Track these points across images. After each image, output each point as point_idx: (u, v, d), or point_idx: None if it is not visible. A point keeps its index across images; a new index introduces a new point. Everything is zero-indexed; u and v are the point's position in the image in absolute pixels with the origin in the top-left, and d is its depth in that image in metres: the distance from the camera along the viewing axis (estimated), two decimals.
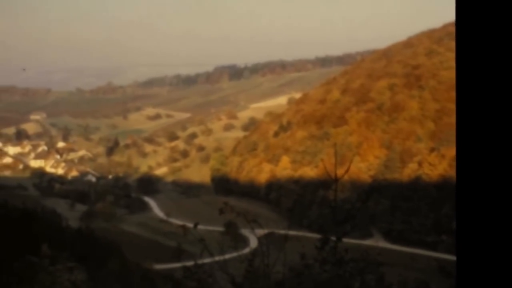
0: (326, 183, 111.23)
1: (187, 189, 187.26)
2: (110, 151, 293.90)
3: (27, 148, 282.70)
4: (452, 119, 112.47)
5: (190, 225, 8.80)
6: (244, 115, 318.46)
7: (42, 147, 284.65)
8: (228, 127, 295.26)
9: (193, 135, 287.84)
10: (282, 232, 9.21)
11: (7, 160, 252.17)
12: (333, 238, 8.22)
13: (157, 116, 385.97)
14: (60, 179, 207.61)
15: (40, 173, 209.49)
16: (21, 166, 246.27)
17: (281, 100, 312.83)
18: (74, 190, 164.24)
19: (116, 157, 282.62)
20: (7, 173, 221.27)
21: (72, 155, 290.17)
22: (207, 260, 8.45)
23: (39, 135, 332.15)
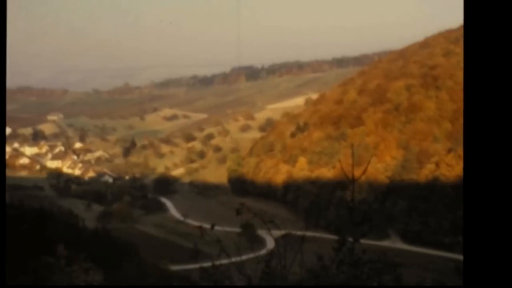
0: (343, 184, 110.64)
1: (204, 190, 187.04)
2: (127, 151, 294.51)
3: (44, 148, 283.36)
4: None
5: (207, 226, 8.78)
6: (261, 115, 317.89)
7: (59, 148, 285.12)
8: (245, 128, 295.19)
9: (210, 136, 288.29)
10: (299, 233, 9.17)
11: (24, 160, 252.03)
12: (350, 239, 8.18)
13: (174, 117, 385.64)
14: (77, 179, 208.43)
15: (57, 174, 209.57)
16: (38, 167, 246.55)
17: (298, 101, 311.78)
18: (91, 191, 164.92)
19: (133, 158, 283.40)
20: (24, 173, 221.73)
21: (89, 156, 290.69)
22: (224, 261, 8.42)
23: (56, 136, 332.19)
